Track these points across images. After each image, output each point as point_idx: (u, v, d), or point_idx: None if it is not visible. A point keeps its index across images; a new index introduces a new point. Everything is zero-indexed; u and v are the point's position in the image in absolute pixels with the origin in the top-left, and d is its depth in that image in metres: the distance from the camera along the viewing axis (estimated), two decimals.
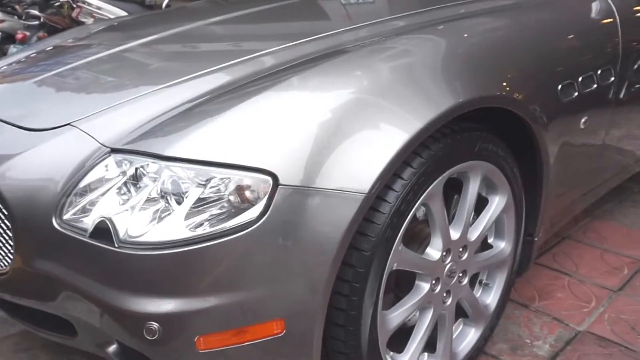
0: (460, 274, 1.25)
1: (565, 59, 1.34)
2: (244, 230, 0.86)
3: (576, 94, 1.37)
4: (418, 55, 1.10)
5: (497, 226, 1.36)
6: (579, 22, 1.43)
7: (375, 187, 0.93)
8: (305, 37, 1.30)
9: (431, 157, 1.05)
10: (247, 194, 0.87)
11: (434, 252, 1.16)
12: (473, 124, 1.16)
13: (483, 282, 1.40)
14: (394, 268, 1.06)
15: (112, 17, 3.73)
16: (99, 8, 3.99)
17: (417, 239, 1.20)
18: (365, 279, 1.00)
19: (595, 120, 1.51)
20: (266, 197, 0.87)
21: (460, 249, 1.23)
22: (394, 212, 1.01)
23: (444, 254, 1.18)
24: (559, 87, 1.31)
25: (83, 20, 3.95)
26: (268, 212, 0.87)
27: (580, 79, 1.38)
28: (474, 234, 1.24)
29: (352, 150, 0.94)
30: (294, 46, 1.27)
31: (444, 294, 1.22)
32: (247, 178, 0.87)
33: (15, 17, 4.40)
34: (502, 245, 1.36)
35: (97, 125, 1.00)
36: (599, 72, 1.45)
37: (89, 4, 3.99)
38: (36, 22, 4.11)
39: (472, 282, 1.39)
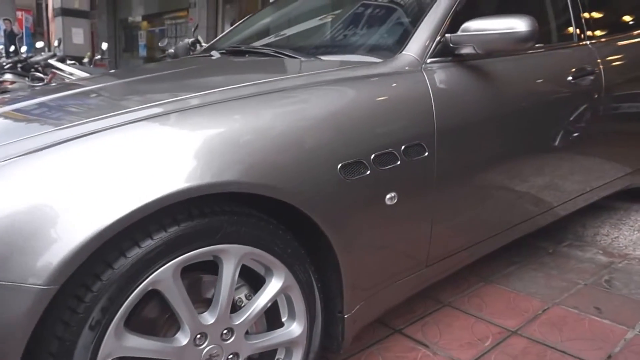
0: (231, 356, 1.16)
1: (348, 138, 1.25)
2: None
3: (368, 172, 1.28)
4: (161, 134, 1.05)
5: (288, 305, 1.26)
6: (371, 101, 1.34)
7: (55, 280, 0.88)
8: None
9: (151, 245, 0.99)
10: None
11: (182, 337, 1.08)
12: (217, 208, 1.09)
13: None
14: (114, 356, 0.99)
15: None
16: (71, 74, 4.10)
17: (176, 323, 1.11)
18: None
19: (410, 194, 1.40)
20: None
21: (225, 331, 1.13)
22: (101, 301, 0.94)
23: (198, 336, 1.09)
24: (339, 166, 1.22)
25: None
26: None
27: (372, 156, 1.29)
28: (240, 317, 1.15)
29: (40, 237, 0.88)
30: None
31: None
32: None
33: (26, 78, 4.54)
34: (293, 325, 1.25)
35: None
36: (402, 147, 1.35)
37: (62, 70, 4.11)
38: (41, 84, 4.16)
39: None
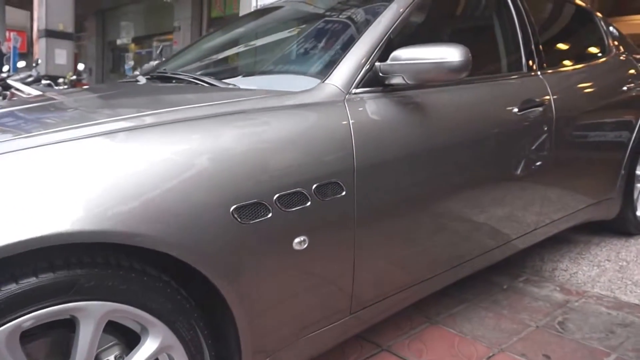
0: None
1: (245, 177, 1.08)
2: None
3: (270, 214, 1.11)
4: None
5: None
6: (276, 135, 1.17)
7: None
8: None
9: None
10: None
11: None
12: (73, 260, 0.90)
13: None
14: None
15: None
16: (29, 94, 3.99)
17: None
18: None
19: (324, 238, 1.23)
20: None
21: None
22: None
23: None
24: (233, 208, 1.05)
25: None
26: None
27: (276, 196, 1.11)
28: None
29: None
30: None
31: None
32: None
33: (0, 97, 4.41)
34: None
35: None
36: (314, 187, 1.18)
37: (21, 90, 3.99)
38: None
39: None
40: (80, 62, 6.53)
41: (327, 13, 1.84)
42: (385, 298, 1.51)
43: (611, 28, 2.82)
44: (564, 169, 2.12)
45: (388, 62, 1.40)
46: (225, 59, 1.86)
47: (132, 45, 10.62)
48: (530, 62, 2.00)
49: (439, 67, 1.35)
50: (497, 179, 1.76)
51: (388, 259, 1.45)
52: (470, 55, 1.35)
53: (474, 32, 1.97)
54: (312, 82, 1.37)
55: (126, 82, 1.90)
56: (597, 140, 2.32)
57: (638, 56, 2.87)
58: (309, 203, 1.17)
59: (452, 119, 1.55)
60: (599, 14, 2.78)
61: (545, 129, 1.90)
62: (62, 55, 7.83)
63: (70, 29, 8.00)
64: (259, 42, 1.85)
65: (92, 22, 11.41)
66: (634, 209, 2.67)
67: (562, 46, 2.41)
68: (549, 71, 2.07)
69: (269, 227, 1.11)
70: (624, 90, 2.52)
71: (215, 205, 1.03)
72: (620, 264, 2.43)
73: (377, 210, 1.34)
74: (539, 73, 2.01)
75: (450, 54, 1.35)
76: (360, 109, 1.33)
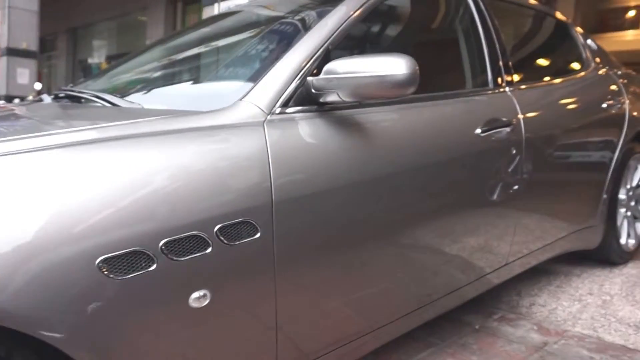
0: None
1: (118, 219, 0.86)
2: None
3: (154, 265, 0.89)
4: None
5: None
6: (165, 166, 0.96)
7: None
8: None
9: None
10: None
11: None
12: None
13: None
14: None
15: None
16: None
17: None
18: None
19: (232, 290, 1.01)
20: None
21: None
22: None
23: None
24: (99, 260, 0.83)
25: None
26: None
27: (162, 242, 0.90)
28: None
29: None
30: None
31: None
32: None
33: None
34: None
35: None
36: (216, 228, 0.97)
37: None
38: None
39: None
40: (38, 82, 6.31)
41: (270, 20, 1.65)
42: (334, 349, 1.29)
43: (589, 41, 2.68)
44: (539, 195, 1.94)
45: (321, 76, 1.21)
46: (144, 73, 1.66)
47: (104, 64, 10.42)
48: (498, 78, 1.83)
49: (381, 81, 1.16)
50: (457, 207, 1.56)
51: (329, 305, 1.24)
52: (417, 67, 1.17)
53: (434, 44, 1.80)
54: (229, 100, 1.17)
55: (32, 101, 1.69)
56: (574, 162, 2.15)
57: (620, 72, 2.73)
58: (209, 249, 0.96)
59: (401, 141, 1.35)
60: (578, 29, 2.64)
61: (514, 151, 1.71)
62: (24, 74, 7.57)
63: (34, 47, 7.77)
64: (183, 55, 1.66)
65: (63, 41, 11.21)
66: (618, 237, 2.50)
67: (534, 60, 2.25)
68: (519, 87, 1.90)
69: (153, 282, 0.89)
70: (603, 107, 2.36)
71: (76, 257, 0.81)
72: (603, 298, 2.24)
73: (306, 251, 1.13)
74: (507, 89, 1.83)
75: (394, 66, 1.16)
76: (284, 132, 1.13)
